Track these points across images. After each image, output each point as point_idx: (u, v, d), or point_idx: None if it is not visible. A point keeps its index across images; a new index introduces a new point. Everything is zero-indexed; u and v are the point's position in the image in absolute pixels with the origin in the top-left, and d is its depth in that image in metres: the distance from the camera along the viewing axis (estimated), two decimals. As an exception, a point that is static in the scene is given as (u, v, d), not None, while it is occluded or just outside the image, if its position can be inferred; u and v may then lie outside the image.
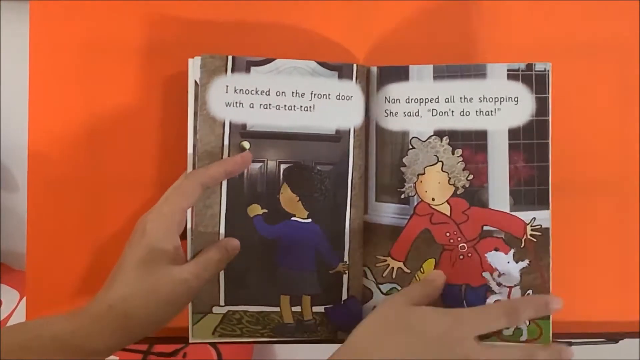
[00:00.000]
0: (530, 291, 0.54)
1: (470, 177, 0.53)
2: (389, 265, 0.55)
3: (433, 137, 0.54)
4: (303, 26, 0.58)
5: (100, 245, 0.57)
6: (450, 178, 0.54)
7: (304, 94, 0.53)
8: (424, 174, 0.54)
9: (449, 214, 0.54)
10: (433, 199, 0.54)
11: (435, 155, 0.53)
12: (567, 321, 0.58)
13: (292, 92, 0.53)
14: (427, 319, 0.48)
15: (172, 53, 0.57)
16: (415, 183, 0.54)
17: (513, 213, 0.53)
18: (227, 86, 0.53)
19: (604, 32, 0.59)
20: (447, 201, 0.54)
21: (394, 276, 0.55)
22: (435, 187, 0.54)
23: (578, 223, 0.58)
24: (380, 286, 0.55)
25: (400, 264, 0.54)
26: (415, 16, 0.58)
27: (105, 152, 0.57)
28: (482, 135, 0.53)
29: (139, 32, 0.57)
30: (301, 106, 0.53)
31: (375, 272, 0.55)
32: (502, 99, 0.53)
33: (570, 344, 0.57)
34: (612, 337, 0.57)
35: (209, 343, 0.75)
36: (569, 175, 0.58)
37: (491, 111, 0.53)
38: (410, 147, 0.54)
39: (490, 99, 0.53)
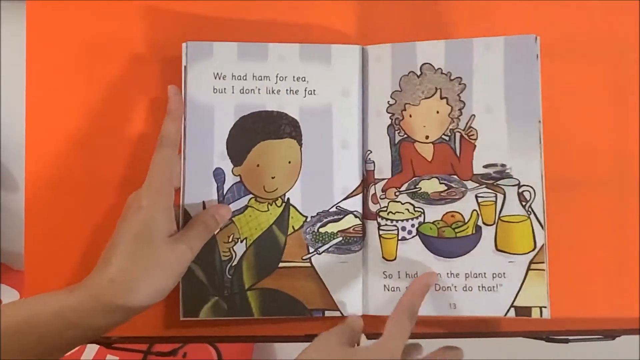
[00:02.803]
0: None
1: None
2: None
3: None
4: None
5: (99, 244, 0.57)
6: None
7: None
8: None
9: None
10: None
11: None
12: (565, 318, 0.58)
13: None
14: None
15: (169, 48, 0.58)
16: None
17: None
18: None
19: (603, 32, 0.59)
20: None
21: None
22: None
23: (576, 220, 0.59)
24: None
25: None
26: (412, 17, 0.58)
27: (103, 152, 0.58)
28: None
29: (136, 28, 0.58)
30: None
31: None
32: None
33: (568, 340, 0.57)
34: (610, 334, 0.57)
35: (209, 342, 0.76)
36: (568, 172, 0.58)
37: None
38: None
39: None
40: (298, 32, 0.58)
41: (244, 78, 0.55)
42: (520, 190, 0.55)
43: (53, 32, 0.58)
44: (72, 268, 0.58)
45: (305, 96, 0.56)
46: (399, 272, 0.56)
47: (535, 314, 0.55)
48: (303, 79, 0.56)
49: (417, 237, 0.56)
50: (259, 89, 0.55)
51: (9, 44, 0.81)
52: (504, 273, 0.55)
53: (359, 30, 0.58)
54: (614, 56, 0.59)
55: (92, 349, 0.76)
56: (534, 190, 0.55)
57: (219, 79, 0.55)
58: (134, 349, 0.58)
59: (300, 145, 0.56)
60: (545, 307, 0.55)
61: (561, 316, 0.57)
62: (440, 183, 0.56)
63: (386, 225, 0.56)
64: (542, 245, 0.55)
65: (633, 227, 0.59)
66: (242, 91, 0.55)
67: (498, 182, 0.55)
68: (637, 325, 0.58)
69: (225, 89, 0.55)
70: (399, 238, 0.56)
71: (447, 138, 0.56)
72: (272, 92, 0.55)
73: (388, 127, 0.56)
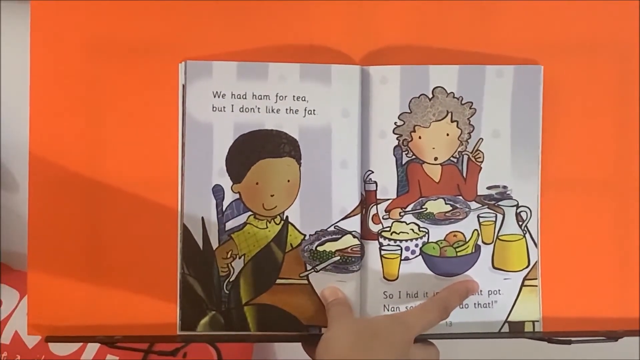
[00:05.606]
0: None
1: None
2: None
3: None
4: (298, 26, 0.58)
5: (100, 245, 0.57)
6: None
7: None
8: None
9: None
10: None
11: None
12: (567, 318, 0.58)
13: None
14: (388, 328, 0.50)
15: (174, 50, 0.57)
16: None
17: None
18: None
19: (603, 32, 0.59)
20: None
21: None
22: None
23: (577, 220, 0.58)
24: None
25: None
26: (408, 16, 0.58)
27: (105, 152, 0.57)
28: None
29: (140, 29, 0.57)
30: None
31: None
32: None
33: (570, 342, 0.57)
34: (612, 335, 0.57)
35: (210, 342, 0.76)
36: (569, 173, 0.58)
37: None
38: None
39: None
40: (299, 52, 0.57)
41: (244, 97, 0.55)
42: (518, 210, 0.57)
43: (57, 32, 0.57)
44: (75, 267, 0.57)
45: (305, 116, 0.56)
46: (400, 292, 0.57)
47: (528, 328, 0.58)
48: (303, 98, 0.56)
49: (419, 257, 0.57)
50: (258, 108, 0.55)
51: (9, 44, 0.80)
52: (499, 290, 0.57)
53: (360, 51, 0.58)
54: (614, 56, 0.58)
55: (92, 349, 0.75)
56: (530, 211, 0.57)
57: (218, 97, 0.55)
58: (135, 348, 0.58)
59: (300, 164, 0.56)
60: (537, 321, 0.58)
61: (564, 316, 0.57)
62: (446, 204, 0.57)
63: (389, 245, 0.57)
64: (536, 262, 0.58)
65: (636, 229, 0.58)
66: (241, 110, 0.55)
67: (499, 203, 0.57)
68: (637, 327, 0.58)
69: (224, 107, 0.55)
70: (402, 258, 0.57)
71: (454, 160, 0.57)
72: (272, 111, 0.56)
73: (395, 147, 0.56)
